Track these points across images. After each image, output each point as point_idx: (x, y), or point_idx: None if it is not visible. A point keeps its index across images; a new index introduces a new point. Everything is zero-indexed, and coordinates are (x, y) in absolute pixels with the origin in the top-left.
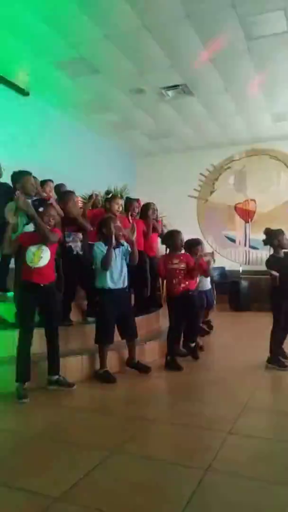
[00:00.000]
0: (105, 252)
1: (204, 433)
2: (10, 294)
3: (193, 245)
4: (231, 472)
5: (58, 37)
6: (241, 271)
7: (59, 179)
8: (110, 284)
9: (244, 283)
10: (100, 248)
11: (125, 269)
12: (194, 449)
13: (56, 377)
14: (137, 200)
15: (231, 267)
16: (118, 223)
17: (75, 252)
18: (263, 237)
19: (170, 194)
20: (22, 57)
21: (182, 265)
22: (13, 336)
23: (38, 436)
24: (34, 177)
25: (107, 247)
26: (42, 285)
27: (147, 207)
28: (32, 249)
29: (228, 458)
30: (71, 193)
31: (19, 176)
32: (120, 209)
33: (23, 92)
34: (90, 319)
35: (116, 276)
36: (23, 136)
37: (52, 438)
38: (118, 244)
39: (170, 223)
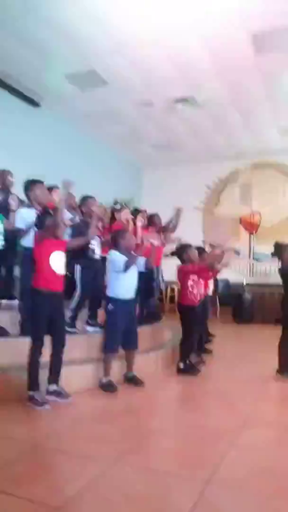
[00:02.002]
0: (122, 260)
1: (206, 445)
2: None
3: (200, 253)
4: (232, 485)
5: (69, 49)
6: (245, 283)
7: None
8: (124, 294)
9: (247, 296)
10: (117, 256)
11: (136, 280)
12: (195, 461)
13: (55, 386)
14: (145, 210)
15: (235, 280)
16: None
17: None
18: (268, 249)
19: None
20: (33, 69)
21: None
22: (16, 344)
23: (40, 445)
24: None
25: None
26: (58, 292)
27: (154, 217)
28: (58, 254)
29: (229, 471)
30: (92, 197)
31: (32, 184)
32: (130, 219)
33: (33, 103)
34: (90, 328)
35: (130, 286)
36: (32, 146)
37: (53, 447)
38: (131, 255)
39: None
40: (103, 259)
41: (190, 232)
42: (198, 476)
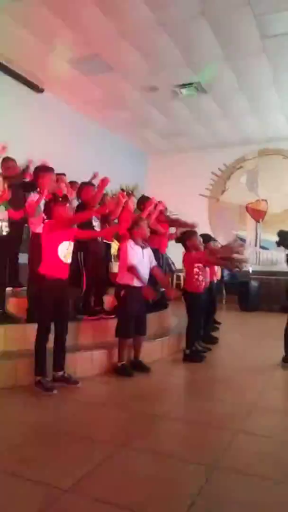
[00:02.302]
0: (134, 250)
1: (213, 430)
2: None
3: (206, 240)
4: (238, 470)
5: (73, 34)
6: (251, 271)
7: (71, 176)
8: (136, 281)
9: (254, 283)
10: (131, 245)
11: (148, 268)
12: (202, 446)
13: (61, 373)
14: (153, 198)
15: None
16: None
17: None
18: (274, 237)
19: (182, 193)
20: (37, 54)
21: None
22: (24, 330)
23: (49, 428)
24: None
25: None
26: (63, 279)
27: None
28: (66, 244)
29: (236, 456)
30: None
31: (42, 172)
32: (134, 206)
33: (37, 89)
34: (80, 316)
35: (142, 274)
36: (36, 132)
37: (62, 431)
38: (146, 245)
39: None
40: (108, 244)
41: (195, 219)
42: (204, 461)
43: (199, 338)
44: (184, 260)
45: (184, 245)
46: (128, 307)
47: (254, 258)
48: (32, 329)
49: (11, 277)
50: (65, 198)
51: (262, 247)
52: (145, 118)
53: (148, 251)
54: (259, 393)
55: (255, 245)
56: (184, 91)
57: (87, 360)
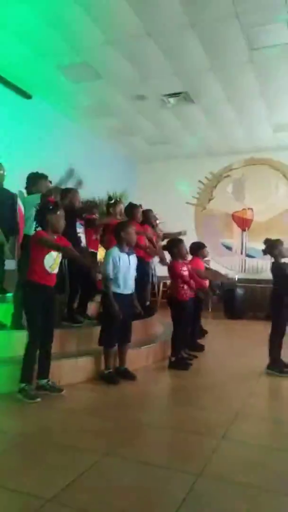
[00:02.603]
0: (120, 259)
1: (197, 438)
2: (8, 295)
3: (200, 247)
4: (223, 478)
5: (61, 41)
6: (236, 279)
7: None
8: (122, 289)
9: (239, 291)
10: (115, 253)
11: (133, 275)
12: (186, 454)
13: (45, 381)
14: (140, 205)
15: (227, 275)
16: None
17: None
18: (260, 246)
19: (169, 201)
20: (25, 60)
21: (188, 272)
22: (8, 337)
23: (31, 437)
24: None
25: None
26: (50, 286)
27: (148, 212)
28: (54, 255)
29: (220, 464)
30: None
31: (36, 179)
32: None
33: (25, 95)
34: (65, 323)
35: (128, 281)
36: (24, 139)
37: (45, 440)
38: (131, 251)
39: (165, 228)
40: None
41: (182, 227)
42: (189, 469)
43: (185, 346)
44: (170, 268)
45: (171, 253)
46: (114, 315)
47: (240, 266)
48: (16, 335)
49: None
50: (57, 205)
51: (248, 255)
52: (134, 126)
53: (134, 258)
54: (244, 400)
55: (241, 253)
56: (171, 100)
57: (71, 368)
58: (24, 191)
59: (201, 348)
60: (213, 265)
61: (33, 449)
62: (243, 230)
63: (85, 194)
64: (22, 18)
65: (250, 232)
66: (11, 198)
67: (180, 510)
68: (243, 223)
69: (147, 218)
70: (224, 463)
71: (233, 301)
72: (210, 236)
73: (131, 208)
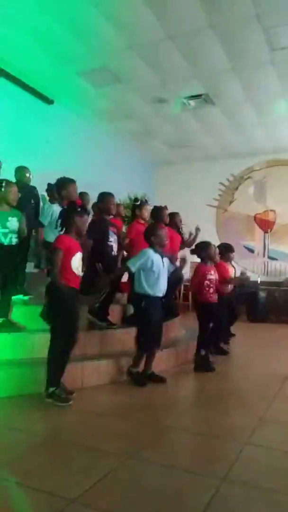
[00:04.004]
0: (155, 260)
1: (221, 442)
2: (23, 297)
3: (227, 250)
4: (247, 483)
5: (82, 47)
6: (259, 281)
7: (80, 186)
8: (156, 291)
9: (262, 294)
10: (150, 253)
11: (166, 278)
12: (210, 458)
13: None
14: (166, 207)
15: (250, 278)
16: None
17: (114, 253)
18: (284, 248)
19: (189, 203)
20: (47, 66)
21: (216, 276)
22: (30, 339)
23: (55, 438)
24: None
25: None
26: (77, 289)
27: (175, 216)
28: (78, 256)
29: (244, 469)
30: (111, 194)
31: (66, 183)
32: (149, 216)
33: (47, 100)
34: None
35: (162, 284)
36: (45, 144)
37: (69, 441)
38: (164, 254)
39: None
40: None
41: (203, 229)
42: (213, 472)
43: (210, 346)
44: (196, 271)
45: (200, 257)
46: (149, 317)
47: (262, 268)
48: (38, 337)
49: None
50: (85, 208)
51: (270, 258)
52: (154, 129)
53: (167, 260)
54: (268, 405)
55: (263, 256)
56: (192, 102)
57: (93, 370)
58: (46, 194)
59: (225, 353)
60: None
61: (56, 450)
62: (265, 232)
63: None
64: (44, 26)
65: (272, 234)
66: (35, 197)
67: None
68: (266, 225)
69: (173, 221)
70: (248, 468)
71: (256, 304)
72: (232, 239)
73: (157, 210)
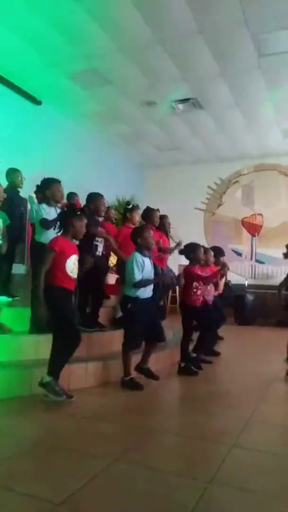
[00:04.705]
0: (144, 263)
1: (208, 445)
2: (8, 299)
3: (217, 253)
4: (234, 485)
5: (71, 48)
6: (246, 285)
7: (68, 188)
8: (143, 293)
9: (249, 297)
10: (139, 257)
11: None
12: (197, 461)
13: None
14: (157, 210)
15: (237, 281)
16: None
17: (98, 253)
18: (270, 251)
19: (178, 206)
20: (35, 67)
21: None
22: (17, 341)
23: (41, 441)
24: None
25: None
26: (71, 290)
27: (163, 218)
28: (73, 259)
29: (231, 471)
30: (100, 194)
31: (50, 183)
32: (139, 219)
33: (35, 101)
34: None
35: (150, 286)
36: (33, 144)
37: (54, 444)
38: (150, 254)
39: (177, 235)
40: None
41: (191, 233)
42: (199, 475)
43: (202, 351)
44: (184, 272)
45: (187, 257)
46: (135, 320)
47: (249, 272)
48: (25, 339)
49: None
50: (83, 211)
51: (257, 261)
52: (143, 132)
53: (151, 261)
54: (254, 407)
55: (251, 259)
56: (180, 106)
57: (81, 373)
58: (34, 195)
59: (216, 354)
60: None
61: (43, 453)
62: (253, 235)
63: None
64: (33, 26)
65: (260, 238)
66: (22, 204)
67: None
68: (253, 229)
69: (162, 223)
70: (235, 470)
71: (243, 307)
72: (219, 242)
73: (148, 211)
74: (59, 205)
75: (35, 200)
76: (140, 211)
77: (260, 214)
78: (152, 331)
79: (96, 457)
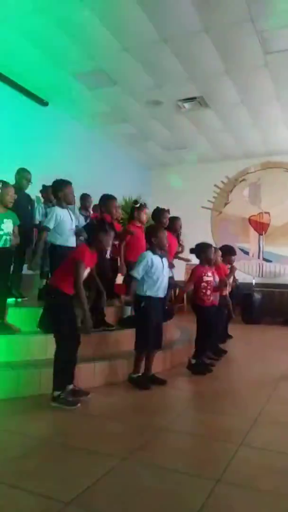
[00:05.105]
0: (153, 262)
1: (216, 444)
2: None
3: (228, 252)
4: (242, 484)
5: (77, 49)
6: (254, 283)
7: (75, 189)
8: (156, 292)
9: (257, 296)
10: (148, 256)
11: (167, 279)
12: (205, 460)
13: (71, 386)
14: (168, 210)
15: (244, 280)
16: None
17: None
18: (278, 250)
19: (184, 205)
20: (42, 68)
21: (214, 279)
22: (27, 341)
23: (50, 441)
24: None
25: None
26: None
27: (175, 220)
28: (88, 270)
29: (239, 470)
30: (114, 197)
31: (62, 185)
32: (148, 218)
33: (42, 102)
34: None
35: (162, 285)
36: (41, 145)
37: (63, 443)
38: (164, 254)
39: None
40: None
41: (198, 231)
42: (207, 474)
43: (209, 350)
44: (192, 273)
45: (199, 257)
46: (148, 318)
47: (257, 270)
48: (35, 340)
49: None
50: (111, 228)
51: (265, 259)
52: (149, 132)
53: (166, 261)
54: (262, 406)
55: (258, 258)
56: (186, 105)
57: (89, 372)
58: (40, 195)
59: (223, 352)
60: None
61: (51, 452)
62: (260, 234)
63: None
64: (39, 27)
65: (267, 236)
66: (30, 204)
67: None
68: (260, 227)
69: (173, 225)
70: (243, 469)
71: (251, 305)
72: (227, 241)
73: (158, 211)
74: (87, 213)
75: (41, 201)
76: (148, 210)
77: (267, 213)
78: (154, 335)
79: (104, 456)
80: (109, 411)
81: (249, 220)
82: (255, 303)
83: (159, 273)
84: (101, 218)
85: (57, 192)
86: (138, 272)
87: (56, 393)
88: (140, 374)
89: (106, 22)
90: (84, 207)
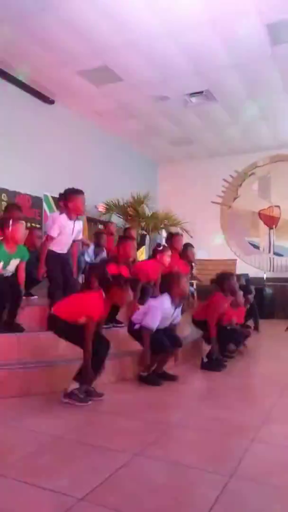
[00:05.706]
0: (168, 310)
1: (228, 439)
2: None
3: (246, 290)
4: (255, 479)
5: (82, 45)
6: (265, 278)
7: (83, 186)
8: (161, 325)
9: (268, 290)
10: (165, 305)
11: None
12: (218, 455)
13: (86, 386)
14: (181, 235)
15: (255, 274)
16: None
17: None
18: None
19: (193, 200)
20: (47, 66)
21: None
22: (38, 339)
23: (62, 438)
24: None
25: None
26: None
27: (187, 247)
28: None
29: (252, 466)
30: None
31: (73, 196)
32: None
33: (48, 100)
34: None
35: (164, 324)
36: (47, 144)
37: (76, 439)
38: (180, 303)
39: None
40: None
41: (208, 226)
42: (221, 469)
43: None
44: (217, 303)
45: (222, 288)
46: (155, 341)
47: (268, 265)
48: (45, 338)
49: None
50: (128, 283)
51: (275, 254)
52: (156, 127)
53: (178, 312)
54: (275, 401)
55: (269, 252)
56: (193, 99)
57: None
58: (49, 194)
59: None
60: (240, 264)
61: (64, 449)
62: (270, 228)
63: (108, 196)
64: (43, 24)
65: (277, 230)
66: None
67: (214, 509)
68: (270, 221)
69: (185, 252)
70: (256, 465)
71: (262, 300)
72: (237, 235)
73: (172, 236)
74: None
75: (50, 200)
76: (169, 253)
77: (278, 206)
78: (167, 337)
79: (116, 452)
80: (121, 407)
81: (259, 214)
82: (266, 297)
83: (165, 315)
84: (118, 271)
85: (68, 202)
86: (154, 324)
87: (72, 387)
88: (150, 372)
89: (110, 18)
90: (98, 244)
